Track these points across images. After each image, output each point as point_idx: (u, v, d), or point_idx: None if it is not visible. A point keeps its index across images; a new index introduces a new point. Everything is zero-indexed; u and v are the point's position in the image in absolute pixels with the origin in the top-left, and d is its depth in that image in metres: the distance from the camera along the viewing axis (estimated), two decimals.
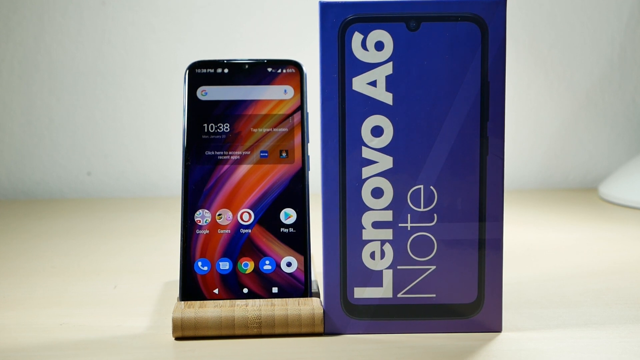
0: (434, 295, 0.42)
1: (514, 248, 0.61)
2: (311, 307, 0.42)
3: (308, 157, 0.45)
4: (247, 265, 0.44)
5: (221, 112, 0.45)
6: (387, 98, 0.40)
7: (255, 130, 0.45)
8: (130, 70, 0.89)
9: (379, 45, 0.40)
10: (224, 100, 0.46)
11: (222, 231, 0.44)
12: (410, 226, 0.41)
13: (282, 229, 0.45)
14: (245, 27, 0.88)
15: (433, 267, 0.42)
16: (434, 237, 0.41)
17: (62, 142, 0.90)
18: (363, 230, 0.41)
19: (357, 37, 0.40)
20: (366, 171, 0.41)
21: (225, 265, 0.44)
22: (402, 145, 0.41)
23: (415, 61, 0.40)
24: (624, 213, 0.77)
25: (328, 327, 0.42)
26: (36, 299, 0.49)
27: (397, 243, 0.41)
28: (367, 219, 0.41)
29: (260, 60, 0.46)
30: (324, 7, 0.40)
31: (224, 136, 0.45)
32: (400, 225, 0.41)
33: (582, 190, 0.91)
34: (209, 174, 0.45)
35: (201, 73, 0.46)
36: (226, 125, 0.45)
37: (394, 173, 0.41)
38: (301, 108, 0.46)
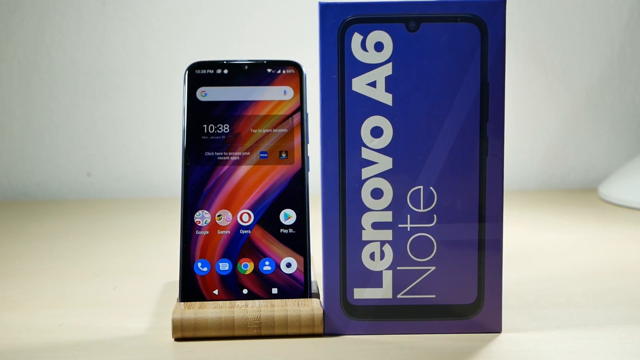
0: (434, 296, 0.42)
1: (513, 248, 0.61)
2: (311, 307, 0.42)
3: (308, 157, 0.45)
4: (247, 266, 0.44)
5: (221, 112, 0.45)
6: (387, 99, 0.40)
7: (254, 131, 0.45)
8: (130, 70, 0.89)
9: (379, 46, 0.40)
10: (224, 101, 0.45)
11: (221, 232, 0.44)
12: (410, 227, 0.41)
13: (281, 230, 0.45)
14: (245, 27, 0.88)
15: (433, 268, 0.42)
16: (433, 237, 0.41)
17: (61, 143, 0.90)
18: (363, 231, 0.41)
19: (356, 38, 0.40)
20: (366, 172, 0.41)
21: (225, 266, 0.44)
22: (401, 145, 0.41)
23: (414, 62, 0.40)
24: (624, 213, 0.76)
25: (328, 328, 0.42)
26: (36, 300, 0.49)
27: (397, 244, 0.41)
28: (366, 219, 0.41)
29: (259, 61, 0.46)
30: (323, 8, 0.40)
31: (223, 137, 0.45)
32: (400, 226, 0.41)
33: (582, 191, 0.91)
34: (208, 175, 0.45)
35: (201, 74, 0.46)
36: (226, 126, 0.45)
37: (394, 174, 0.41)
38: (301, 109, 0.45)
